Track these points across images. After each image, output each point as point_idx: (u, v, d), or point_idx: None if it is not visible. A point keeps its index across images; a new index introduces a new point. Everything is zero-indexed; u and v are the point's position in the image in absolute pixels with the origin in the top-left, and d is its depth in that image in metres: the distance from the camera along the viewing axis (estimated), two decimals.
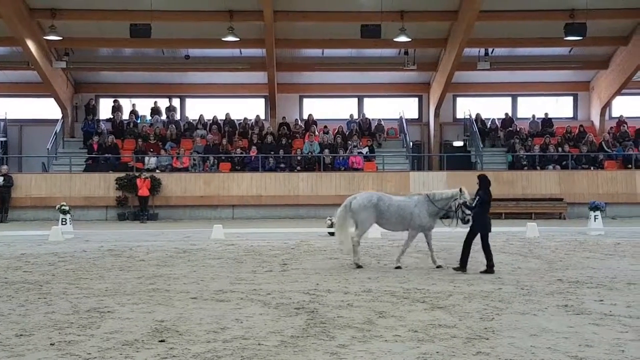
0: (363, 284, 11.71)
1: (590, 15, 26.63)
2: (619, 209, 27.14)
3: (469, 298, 10.43)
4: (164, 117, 31.89)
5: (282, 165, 28.76)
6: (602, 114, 32.01)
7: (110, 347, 7.69)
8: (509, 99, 33.17)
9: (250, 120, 31.39)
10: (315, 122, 31.14)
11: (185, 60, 30.63)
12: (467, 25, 26.49)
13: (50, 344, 7.84)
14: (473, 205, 13.12)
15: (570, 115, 33.17)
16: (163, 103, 32.44)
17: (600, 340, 7.92)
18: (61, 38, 28.01)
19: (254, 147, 29.24)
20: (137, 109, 32.13)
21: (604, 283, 11.74)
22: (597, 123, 32.13)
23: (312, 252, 16.37)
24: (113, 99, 32.10)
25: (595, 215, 21.30)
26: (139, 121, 31.50)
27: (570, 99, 33.30)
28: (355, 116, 32.04)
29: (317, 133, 30.32)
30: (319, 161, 28.80)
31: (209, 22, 27.81)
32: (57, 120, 30.80)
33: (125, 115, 31.76)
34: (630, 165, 28.66)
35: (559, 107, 33.24)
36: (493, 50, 30.39)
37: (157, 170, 27.98)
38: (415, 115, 33.07)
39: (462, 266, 12.97)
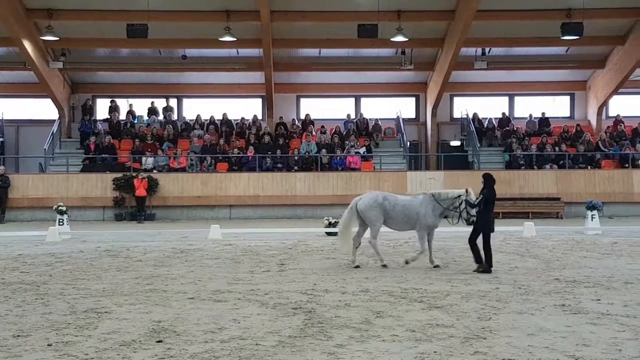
0: (360, 284, 11.71)
1: (587, 14, 26.66)
2: (616, 208, 27.20)
3: (466, 298, 10.44)
4: (161, 117, 31.87)
5: (280, 165, 28.76)
6: (599, 114, 32.06)
7: (108, 348, 7.68)
8: (506, 99, 33.20)
9: (248, 120, 31.39)
10: (312, 122, 31.14)
11: (183, 61, 30.60)
12: (464, 25, 26.51)
13: (48, 345, 7.83)
14: (476, 202, 13.12)
15: (567, 114, 33.21)
16: (160, 103, 32.42)
17: (597, 340, 7.93)
18: (58, 38, 27.99)
19: (251, 147, 29.23)
20: (134, 109, 32.12)
21: (601, 282, 11.75)
22: (594, 122, 32.16)
23: (309, 252, 16.37)
24: (110, 99, 32.08)
25: (592, 215, 21.36)
26: (136, 121, 31.49)
27: (567, 98, 33.33)
28: (353, 116, 32.04)
29: (314, 133, 30.32)
30: (316, 161, 28.80)
31: (206, 22, 27.82)
32: (54, 120, 30.80)
33: (123, 116, 31.74)
34: (627, 165, 28.71)
35: (556, 107, 33.26)
36: (490, 49, 30.41)
37: (155, 171, 27.96)
38: (413, 115, 33.08)
39: (481, 262, 12.96)
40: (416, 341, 7.89)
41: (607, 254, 15.55)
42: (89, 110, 31.33)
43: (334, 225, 20.02)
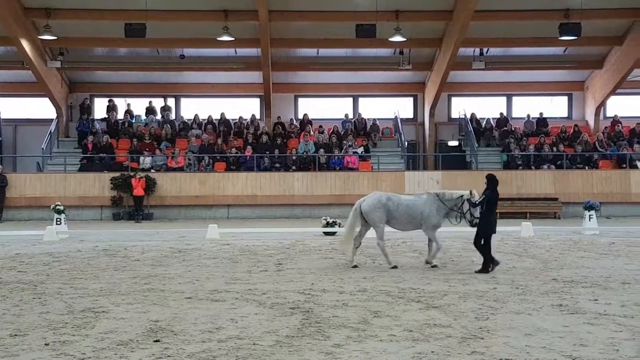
0: (358, 284, 11.72)
1: (585, 15, 26.69)
2: (614, 209, 27.22)
3: (463, 297, 10.44)
4: (159, 116, 31.84)
5: (277, 165, 28.75)
6: (597, 114, 32.08)
7: (105, 347, 7.67)
8: (503, 99, 33.21)
9: (246, 119, 31.36)
10: (310, 122, 31.11)
11: (180, 60, 30.58)
12: (462, 25, 26.52)
13: (45, 344, 7.82)
14: (478, 202, 13.13)
15: (565, 115, 33.23)
16: (158, 103, 32.38)
17: (594, 340, 7.94)
18: (56, 37, 27.97)
19: (249, 147, 29.22)
20: (132, 108, 32.07)
21: (599, 282, 11.76)
22: (591, 123, 32.18)
23: (307, 251, 16.36)
24: (108, 99, 32.02)
25: (589, 215, 21.35)
26: (133, 121, 31.46)
27: (565, 98, 33.36)
28: (351, 116, 32.02)
29: (312, 133, 30.30)
30: (314, 161, 28.80)
31: (204, 21, 27.81)
32: (52, 119, 30.77)
33: (120, 115, 31.70)
34: (624, 165, 28.72)
35: (554, 107, 33.27)
36: (488, 50, 30.43)
37: (152, 170, 27.94)
38: (410, 115, 33.08)
39: (493, 263, 12.95)
40: (414, 341, 7.89)
41: (604, 254, 15.56)
42: (86, 109, 31.28)
43: (331, 225, 20.05)
